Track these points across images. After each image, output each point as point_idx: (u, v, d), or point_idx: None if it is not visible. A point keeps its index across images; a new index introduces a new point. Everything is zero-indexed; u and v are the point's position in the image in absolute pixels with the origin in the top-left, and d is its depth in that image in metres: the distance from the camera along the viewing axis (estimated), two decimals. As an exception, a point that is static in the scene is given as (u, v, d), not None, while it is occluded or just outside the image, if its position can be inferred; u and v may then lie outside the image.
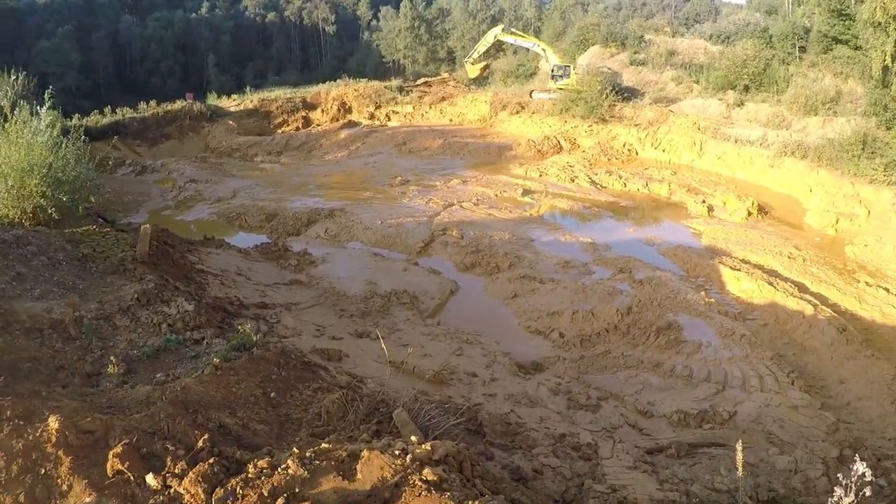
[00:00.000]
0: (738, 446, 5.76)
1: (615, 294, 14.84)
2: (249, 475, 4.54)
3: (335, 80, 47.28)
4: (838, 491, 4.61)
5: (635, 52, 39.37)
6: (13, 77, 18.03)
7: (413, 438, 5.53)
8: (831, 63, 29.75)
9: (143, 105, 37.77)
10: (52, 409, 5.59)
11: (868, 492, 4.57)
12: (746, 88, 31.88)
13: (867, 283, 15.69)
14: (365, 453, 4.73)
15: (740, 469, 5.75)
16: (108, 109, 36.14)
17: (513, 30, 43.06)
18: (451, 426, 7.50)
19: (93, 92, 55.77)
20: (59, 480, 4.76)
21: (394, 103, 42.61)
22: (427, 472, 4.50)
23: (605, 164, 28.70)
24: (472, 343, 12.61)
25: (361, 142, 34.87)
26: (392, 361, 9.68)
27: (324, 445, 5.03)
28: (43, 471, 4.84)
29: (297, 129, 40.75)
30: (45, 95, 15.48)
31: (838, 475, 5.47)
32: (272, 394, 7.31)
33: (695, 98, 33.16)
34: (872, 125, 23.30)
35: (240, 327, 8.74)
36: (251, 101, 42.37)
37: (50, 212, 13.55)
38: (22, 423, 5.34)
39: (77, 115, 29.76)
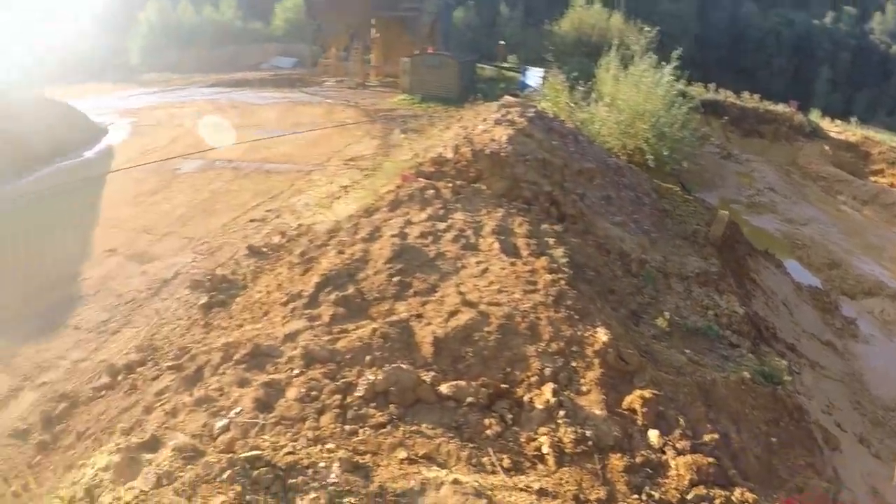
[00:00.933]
0: None
1: None
2: (733, 499, 4.37)
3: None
4: None
5: None
6: (647, 29, 19.29)
7: None
8: None
9: (745, 95, 37.42)
10: (603, 322, 5.98)
11: None
12: None
13: None
14: None
15: None
16: (712, 86, 36.68)
17: None
18: None
19: (702, 64, 57.20)
20: (581, 380, 5.13)
21: None
22: None
23: None
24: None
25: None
26: (877, 491, 8.36)
27: None
28: (574, 364, 5.27)
29: (893, 185, 36.22)
30: (673, 54, 16.26)
31: None
32: (773, 439, 6.82)
33: None
34: None
35: (775, 359, 8.23)
36: (853, 135, 38.54)
37: (646, 158, 14.45)
38: (576, 317, 5.87)
39: (683, 80, 30.96)
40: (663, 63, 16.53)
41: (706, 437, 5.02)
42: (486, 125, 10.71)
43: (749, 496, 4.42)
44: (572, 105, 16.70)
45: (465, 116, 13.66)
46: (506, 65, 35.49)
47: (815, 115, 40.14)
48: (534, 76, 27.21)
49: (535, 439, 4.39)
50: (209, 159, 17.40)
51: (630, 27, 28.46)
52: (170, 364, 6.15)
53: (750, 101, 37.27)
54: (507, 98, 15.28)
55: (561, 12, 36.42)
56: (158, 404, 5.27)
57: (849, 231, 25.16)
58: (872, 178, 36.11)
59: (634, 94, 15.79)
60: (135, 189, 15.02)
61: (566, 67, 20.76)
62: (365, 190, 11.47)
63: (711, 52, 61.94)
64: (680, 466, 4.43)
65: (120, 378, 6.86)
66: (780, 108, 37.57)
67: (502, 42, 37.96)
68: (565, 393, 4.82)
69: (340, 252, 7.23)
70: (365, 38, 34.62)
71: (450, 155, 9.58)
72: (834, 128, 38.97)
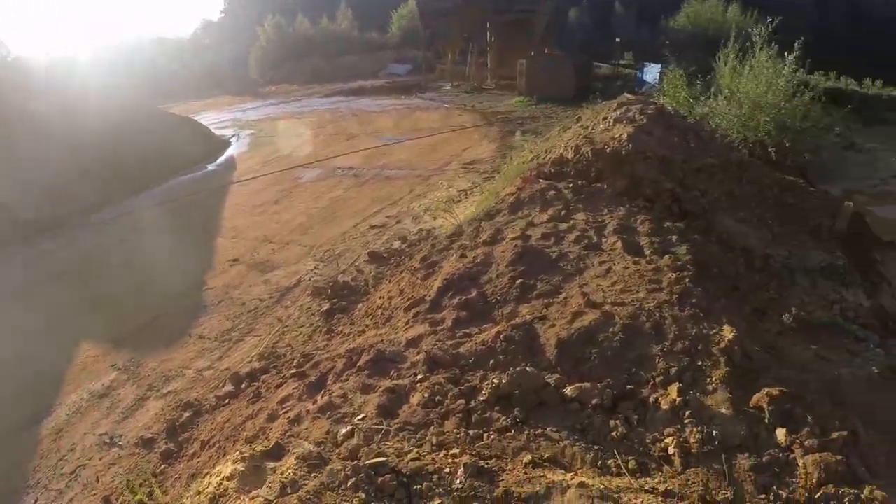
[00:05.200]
0: None
1: None
2: (862, 497, 4.22)
3: None
4: None
5: None
6: (770, 21, 18.69)
7: None
8: None
9: (867, 82, 35.54)
10: (728, 319, 5.93)
11: None
12: None
13: None
14: None
15: None
16: (833, 73, 35.07)
17: None
18: None
19: (823, 53, 54.00)
20: (708, 379, 5.08)
21: None
22: None
23: None
24: None
25: None
26: None
27: None
28: (700, 363, 5.23)
29: None
30: (795, 44, 15.82)
31: None
32: (898, 441, 6.62)
33: None
34: None
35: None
36: None
37: (769, 150, 14.19)
38: (701, 315, 5.85)
39: (802, 70, 29.74)
40: (785, 53, 16.16)
41: (834, 435, 4.87)
42: (605, 124, 10.81)
43: (878, 493, 4.31)
44: (691, 100, 16.56)
45: (583, 116, 13.75)
46: (622, 62, 35.16)
47: (945, 101, 37.69)
48: (651, 73, 26.90)
49: (660, 440, 4.39)
50: (329, 167, 18.05)
51: (747, 18, 27.70)
52: (293, 372, 6.31)
53: (873, 88, 35.49)
54: (626, 96, 15.32)
55: (676, 7, 35.82)
56: (282, 412, 5.40)
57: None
58: None
59: (754, 87, 15.53)
60: (256, 199, 15.71)
61: (684, 62, 20.51)
62: (485, 193, 11.67)
63: (831, 39, 58.64)
64: (808, 465, 4.37)
65: (244, 386, 7.07)
66: (904, 94, 35.65)
67: (618, 40, 37.58)
68: (691, 392, 4.82)
69: (462, 256, 7.36)
70: (480, 42, 35.00)
71: (570, 155, 9.74)
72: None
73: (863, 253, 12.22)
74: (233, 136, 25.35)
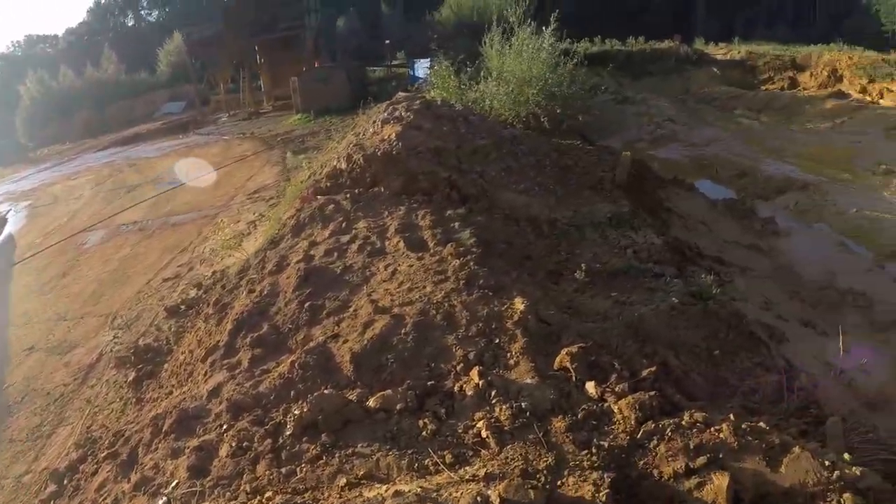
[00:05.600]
0: None
1: None
2: (683, 423, 4.36)
3: (828, 43, 42.30)
4: None
5: None
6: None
7: (846, 456, 4.85)
8: None
9: (631, 40, 38.62)
10: (520, 291, 6.03)
11: None
12: None
13: None
14: (796, 450, 4.20)
15: None
16: (598, 39, 37.66)
17: None
18: (876, 459, 6.45)
19: (585, 19, 58.40)
20: (508, 354, 5.12)
21: (889, 80, 36.66)
22: (847, 497, 3.87)
23: None
24: (919, 374, 10.76)
25: (848, 116, 30.97)
26: (834, 364, 8.69)
27: (761, 424, 4.62)
28: (497, 341, 5.26)
29: (782, 88, 37.76)
30: (551, 18, 16.72)
31: None
32: (715, 351, 6.98)
33: None
34: None
35: (703, 276, 8.45)
36: (738, 52, 40.46)
37: (542, 120, 14.81)
38: (490, 294, 5.91)
39: (568, 39, 31.71)
40: (543, 28, 16.91)
41: (644, 373, 5.08)
42: (375, 127, 10.75)
43: (698, 415, 4.45)
44: (463, 87, 16.93)
45: (357, 123, 13.68)
46: (395, 62, 35.58)
47: (699, 44, 41.78)
48: (422, 68, 27.40)
49: (472, 427, 4.36)
50: (113, 226, 17.00)
51: (508, 1, 28.93)
52: (105, 454, 5.96)
53: (636, 45, 38.62)
54: (400, 95, 15.38)
55: (441, 1, 36.70)
56: (101, 500, 5.12)
57: (749, 140, 26.23)
58: (764, 88, 37.78)
59: (519, 64, 16.15)
60: (42, 276, 14.57)
61: (451, 52, 20.98)
62: (270, 220, 11.41)
63: (592, 5, 63.29)
64: (623, 409, 4.45)
65: (65, 482, 6.58)
66: (666, 44, 39.11)
67: (387, 41, 37.97)
68: (493, 371, 4.84)
69: (251, 291, 7.15)
70: (251, 66, 34.14)
71: (344, 165, 9.56)
72: (719, 51, 40.78)
73: (648, 195, 13.01)
74: (8, 211, 23.27)
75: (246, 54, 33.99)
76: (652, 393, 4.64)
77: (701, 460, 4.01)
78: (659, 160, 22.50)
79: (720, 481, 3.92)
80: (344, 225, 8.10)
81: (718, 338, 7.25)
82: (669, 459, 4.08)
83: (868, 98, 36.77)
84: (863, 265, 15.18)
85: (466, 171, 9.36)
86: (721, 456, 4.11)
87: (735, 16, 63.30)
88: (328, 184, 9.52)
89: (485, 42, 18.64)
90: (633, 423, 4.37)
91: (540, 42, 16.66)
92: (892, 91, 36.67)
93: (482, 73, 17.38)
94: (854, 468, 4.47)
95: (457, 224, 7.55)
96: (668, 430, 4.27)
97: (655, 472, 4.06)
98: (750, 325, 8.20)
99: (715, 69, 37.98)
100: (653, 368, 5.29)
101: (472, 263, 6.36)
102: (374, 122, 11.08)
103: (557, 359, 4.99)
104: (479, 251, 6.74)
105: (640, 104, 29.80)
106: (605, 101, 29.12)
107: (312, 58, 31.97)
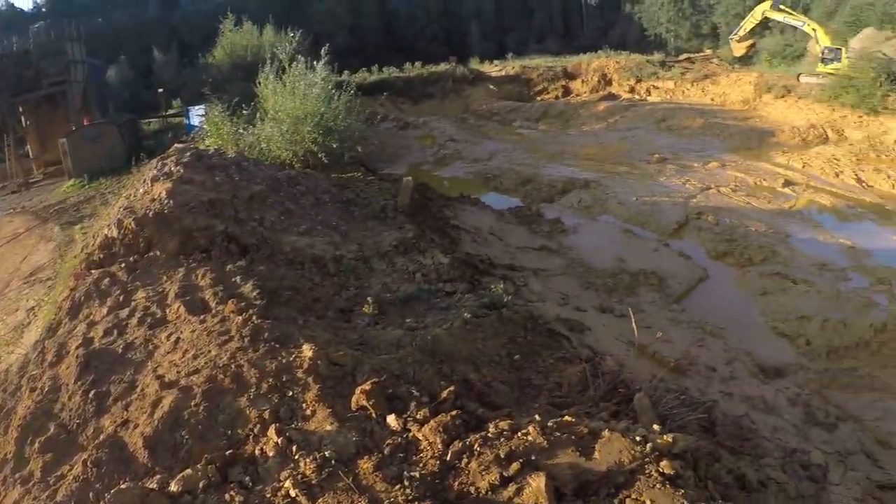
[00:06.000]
0: None
1: (871, 307, 13.05)
2: (489, 434, 4.48)
3: (596, 52, 46.24)
4: None
5: (917, 37, 33.91)
6: (291, 35, 19.73)
7: (655, 427, 5.19)
8: None
9: (408, 66, 39.71)
10: (308, 337, 5.95)
11: None
12: None
13: None
14: (606, 433, 4.54)
15: None
16: (375, 68, 38.45)
17: (781, 6, 38.74)
18: (689, 421, 6.97)
19: (362, 51, 59.50)
20: (304, 405, 5.02)
21: (654, 78, 40.72)
22: (665, 465, 4.23)
23: (873, 161, 25.14)
24: (714, 336, 11.88)
25: (620, 115, 34.01)
26: (633, 342, 9.31)
27: (566, 418, 4.87)
28: (290, 393, 5.15)
29: (557, 97, 40.68)
30: (322, 52, 16.84)
31: None
32: (516, 356, 7.25)
33: None
34: None
35: (492, 286, 8.72)
36: (513, 68, 42.94)
37: (320, 157, 14.80)
38: (277, 345, 5.78)
39: (346, 71, 31.89)
40: (315, 63, 16.87)
41: (444, 394, 5.12)
42: (145, 186, 10.17)
43: (503, 424, 4.58)
44: (240, 131, 16.49)
45: (131, 183, 12.86)
46: (171, 112, 34.11)
47: (475, 64, 43.76)
48: (196, 115, 26.39)
49: (280, 488, 4.20)
50: None
51: (281, 37, 28.55)
52: None
53: (413, 70, 39.73)
54: (175, 146, 14.68)
55: (213, 43, 35.49)
56: None
57: (530, 148, 27.81)
58: (539, 99, 40.24)
59: (292, 102, 16.00)
60: None
61: (226, 96, 20.39)
62: (48, 305, 10.44)
63: (369, 37, 64.37)
64: (427, 435, 4.46)
65: None
66: (442, 66, 40.56)
67: (160, 90, 36.20)
68: (292, 426, 4.72)
69: (33, 389, 6.57)
70: (15, 130, 30.98)
71: (115, 233, 8.96)
72: (494, 68, 42.88)
73: (434, 216, 13.32)
74: None
75: (8, 117, 30.74)
76: (454, 412, 4.69)
77: (514, 466, 4.13)
78: (445, 179, 23.27)
79: (537, 482, 4.05)
80: (122, 298, 7.61)
81: (517, 342, 7.49)
82: (483, 473, 4.15)
83: (637, 96, 40.32)
84: (650, 246, 16.49)
85: (244, 220, 9.09)
86: (533, 458, 4.25)
87: (507, 36, 67.15)
88: (101, 255, 8.88)
89: (258, 82, 18.33)
90: (440, 446, 4.39)
91: (312, 77, 16.60)
92: (658, 88, 40.50)
93: (258, 115, 17.04)
94: (665, 436, 4.76)
95: (238, 278, 7.32)
96: (476, 445, 4.35)
97: (472, 489, 4.11)
98: (548, 322, 8.57)
99: (491, 86, 39.95)
100: (451, 388, 5.34)
101: (254, 317, 6.19)
102: (145, 180, 10.47)
103: (353, 398, 4.92)
104: (262, 302, 6.59)
105: (422, 127, 30.62)
106: (387, 128, 29.67)
107: (81, 115, 29.68)
